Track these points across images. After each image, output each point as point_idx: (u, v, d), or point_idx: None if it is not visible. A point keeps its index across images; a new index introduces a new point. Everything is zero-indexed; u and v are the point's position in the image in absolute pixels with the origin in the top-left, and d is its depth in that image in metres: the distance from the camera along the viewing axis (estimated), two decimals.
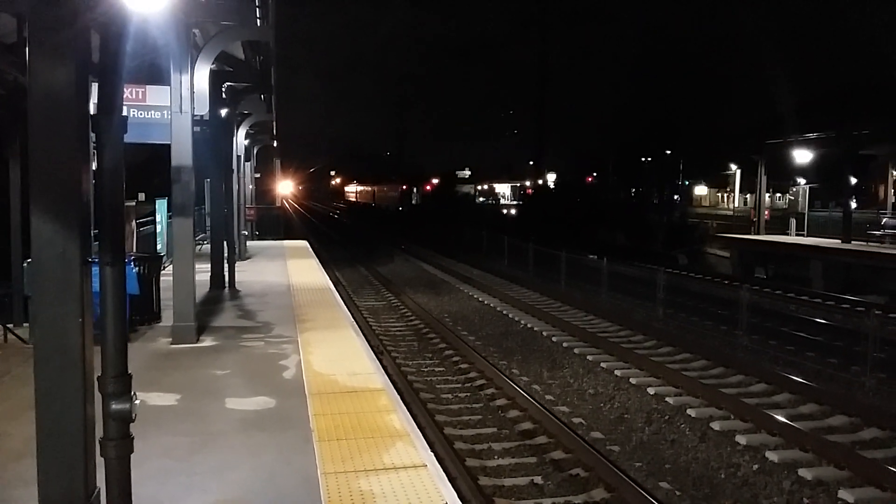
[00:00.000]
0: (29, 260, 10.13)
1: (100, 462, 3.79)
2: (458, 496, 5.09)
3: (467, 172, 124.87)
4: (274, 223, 45.15)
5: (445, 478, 5.36)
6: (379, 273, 27.67)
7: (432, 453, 5.90)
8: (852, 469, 8.27)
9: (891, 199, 29.25)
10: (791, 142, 29.87)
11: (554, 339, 15.39)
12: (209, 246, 16.26)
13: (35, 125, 3.77)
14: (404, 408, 7.18)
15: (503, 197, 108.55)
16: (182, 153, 9.74)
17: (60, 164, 3.76)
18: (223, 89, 14.57)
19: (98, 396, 3.77)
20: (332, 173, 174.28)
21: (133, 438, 3.81)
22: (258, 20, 10.25)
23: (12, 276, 14.90)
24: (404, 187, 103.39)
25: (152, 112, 10.47)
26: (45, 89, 3.72)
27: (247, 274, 17.18)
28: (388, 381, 8.31)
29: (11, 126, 15.63)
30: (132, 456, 3.81)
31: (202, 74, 9.95)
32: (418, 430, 6.41)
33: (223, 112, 14.69)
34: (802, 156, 29.83)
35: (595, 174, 74.88)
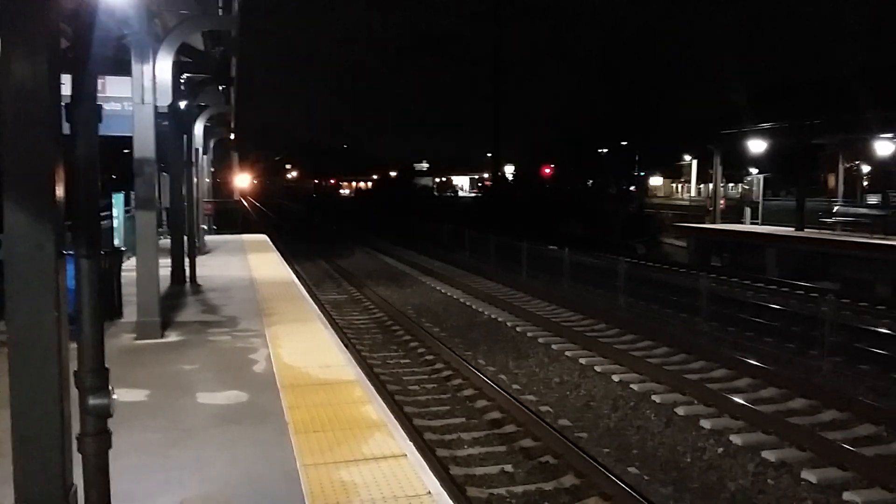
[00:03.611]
0: None
1: (76, 459, 3.72)
2: None
3: (425, 165, 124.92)
4: (231, 217, 44.67)
5: (426, 466, 5.38)
6: (340, 266, 27.55)
7: (411, 443, 5.91)
8: (814, 450, 8.49)
9: (841, 188, 29.98)
10: (746, 132, 30.43)
11: (518, 329, 15.50)
12: (168, 240, 16.01)
13: (8, 117, 3.68)
14: (379, 399, 7.17)
15: (461, 189, 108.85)
16: (145, 145, 9.56)
17: (34, 157, 3.68)
18: (182, 81, 14.32)
19: (74, 392, 3.70)
20: (288, 167, 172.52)
21: (111, 434, 3.75)
22: (220, 10, 10.11)
23: None
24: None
25: (112, 104, 10.26)
26: (17, 80, 3.63)
27: (208, 269, 16.96)
28: (361, 372, 8.29)
29: None
30: None
31: (164, 65, 9.76)
32: (395, 421, 6.41)
33: (182, 104, 14.45)
34: (756, 146, 30.40)
35: (553, 166, 75.39)
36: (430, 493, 4.85)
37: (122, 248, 14.10)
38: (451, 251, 31.14)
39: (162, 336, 9.92)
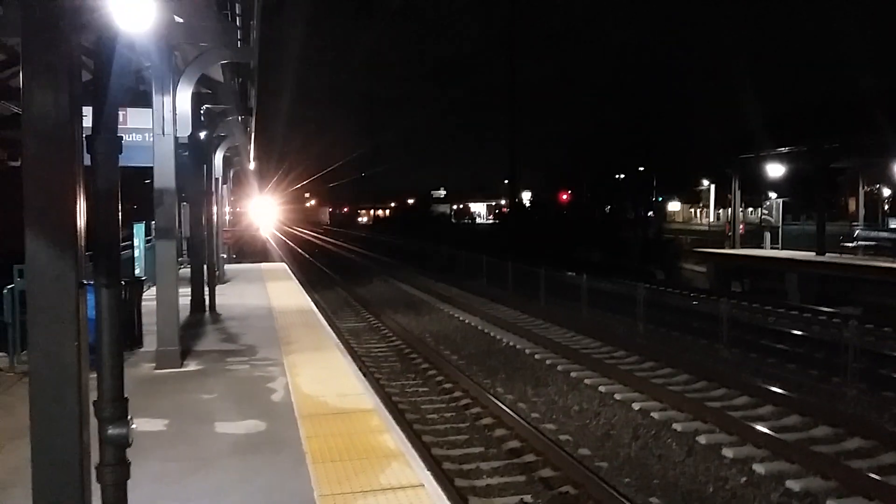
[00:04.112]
0: (9, 287, 10.01)
1: (95, 489, 3.72)
2: None
3: (443, 192, 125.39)
4: (250, 246, 44.96)
5: (444, 497, 5.34)
6: (358, 294, 27.58)
7: (429, 472, 5.87)
8: (838, 479, 8.34)
9: (861, 212, 29.74)
10: (764, 156, 30.30)
11: (537, 356, 15.40)
12: (188, 269, 16.13)
13: (29, 148, 3.73)
14: (397, 427, 7.14)
15: (479, 216, 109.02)
16: (165, 176, 9.67)
17: (55, 187, 3.73)
18: (201, 112, 14.52)
19: (94, 422, 3.71)
20: (307, 195, 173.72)
21: (130, 464, 3.75)
22: (239, 41, 10.25)
23: None
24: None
25: (133, 135, 10.41)
26: (39, 112, 3.69)
27: (227, 297, 17.05)
28: (379, 401, 8.27)
29: None
30: None
31: (184, 96, 9.91)
32: (413, 450, 6.37)
33: (202, 135, 14.63)
34: (775, 170, 30.25)
35: (570, 191, 75.35)
36: None
37: (143, 278, 14.22)
38: (469, 278, 31.10)
39: (181, 365, 9.95)
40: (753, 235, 33.41)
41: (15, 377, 9.13)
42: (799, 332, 16.90)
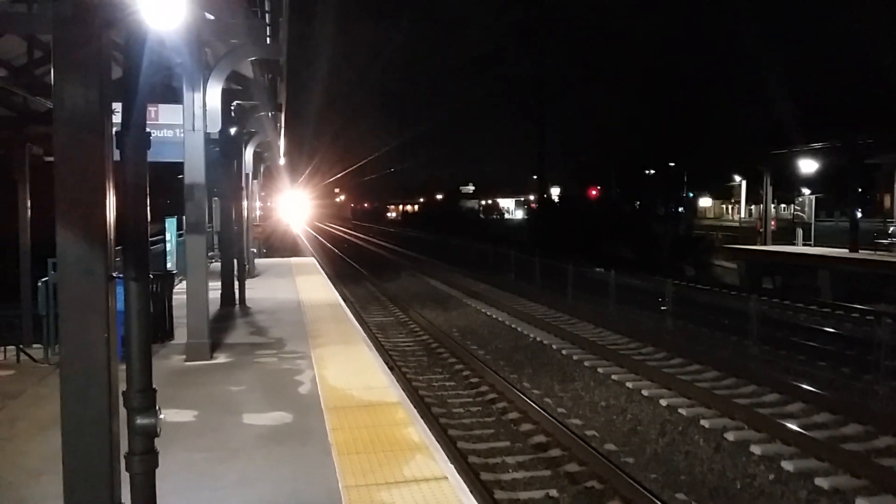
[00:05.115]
0: (44, 279, 10.22)
1: (124, 477, 3.80)
2: None
3: (471, 187, 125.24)
4: (280, 241, 45.34)
5: (467, 490, 5.37)
6: (386, 289, 27.69)
7: (452, 465, 5.90)
8: (869, 477, 8.24)
9: None
10: (797, 152, 29.89)
11: (564, 352, 15.37)
12: (219, 264, 16.32)
13: (60, 143, 3.81)
14: (421, 421, 7.18)
15: (507, 211, 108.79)
16: (195, 171, 9.80)
17: (85, 182, 3.80)
18: (231, 108, 14.66)
19: (123, 412, 3.79)
20: (336, 190, 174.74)
21: (158, 453, 3.82)
22: (268, 38, 10.34)
23: (21, 296, 14.99)
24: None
25: (165, 130, 10.54)
26: (69, 107, 3.77)
27: (256, 291, 17.22)
28: (404, 394, 8.32)
29: (19, 148, 15.77)
30: None
31: (214, 92, 10.02)
32: (437, 443, 6.41)
33: (232, 130, 14.77)
34: (808, 165, 29.83)
35: (599, 187, 74.92)
36: None
37: (174, 272, 14.41)
38: (497, 273, 31.08)
39: (211, 357, 10.09)
40: (785, 232, 33.01)
41: (49, 368, 9.32)
42: (830, 330, 16.68)
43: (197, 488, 5.37)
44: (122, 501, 3.92)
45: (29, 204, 15.85)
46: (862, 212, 29.28)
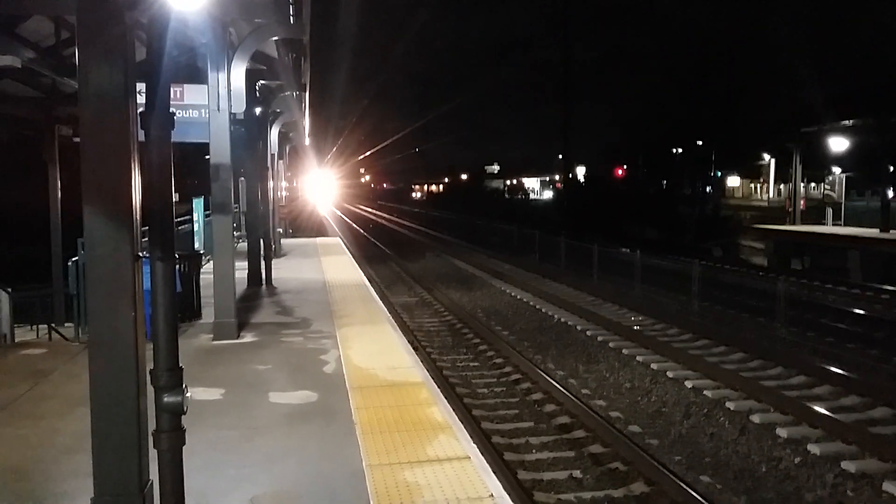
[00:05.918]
0: (74, 259, 10.36)
1: (152, 455, 3.85)
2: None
3: (496, 167, 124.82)
4: (306, 221, 45.57)
5: (490, 469, 5.39)
6: (410, 269, 27.75)
7: (475, 445, 5.93)
8: None
9: None
10: (827, 130, 29.42)
11: (588, 333, 15.33)
12: (245, 244, 16.42)
13: (86, 124, 3.85)
14: (445, 401, 7.21)
15: (532, 191, 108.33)
16: (221, 151, 9.85)
17: (110, 163, 3.83)
18: (256, 88, 14.69)
19: (150, 390, 3.84)
20: (362, 171, 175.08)
21: (185, 431, 3.86)
22: (291, 17, 10.32)
23: (52, 276, 15.23)
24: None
25: (190, 111, 10.60)
26: (95, 88, 3.79)
27: (282, 271, 17.33)
28: (428, 374, 8.35)
29: (48, 129, 15.96)
30: None
31: (238, 72, 10.04)
32: (460, 423, 6.43)
33: (257, 110, 14.80)
34: (839, 144, 29.35)
35: (625, 167, 74.21)
36: (492, 495, 4.86)
37: (202, 252, 14.53)
38: (522, 254, 31.02)
39: (238, 337, 10.19)
40: (815, 211, 32.56)
41: (80, 346, 9.46)
42: (860, 311, 16.47)
43: (223, 465, 5.44)
44: (150, 478, 3.98)
45: (59, 184, 16.11)
46: (894, 191, 28.72)
